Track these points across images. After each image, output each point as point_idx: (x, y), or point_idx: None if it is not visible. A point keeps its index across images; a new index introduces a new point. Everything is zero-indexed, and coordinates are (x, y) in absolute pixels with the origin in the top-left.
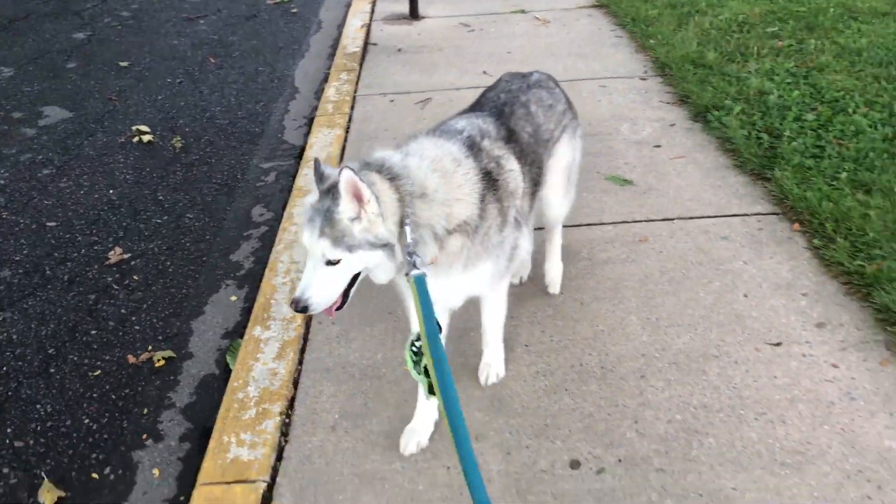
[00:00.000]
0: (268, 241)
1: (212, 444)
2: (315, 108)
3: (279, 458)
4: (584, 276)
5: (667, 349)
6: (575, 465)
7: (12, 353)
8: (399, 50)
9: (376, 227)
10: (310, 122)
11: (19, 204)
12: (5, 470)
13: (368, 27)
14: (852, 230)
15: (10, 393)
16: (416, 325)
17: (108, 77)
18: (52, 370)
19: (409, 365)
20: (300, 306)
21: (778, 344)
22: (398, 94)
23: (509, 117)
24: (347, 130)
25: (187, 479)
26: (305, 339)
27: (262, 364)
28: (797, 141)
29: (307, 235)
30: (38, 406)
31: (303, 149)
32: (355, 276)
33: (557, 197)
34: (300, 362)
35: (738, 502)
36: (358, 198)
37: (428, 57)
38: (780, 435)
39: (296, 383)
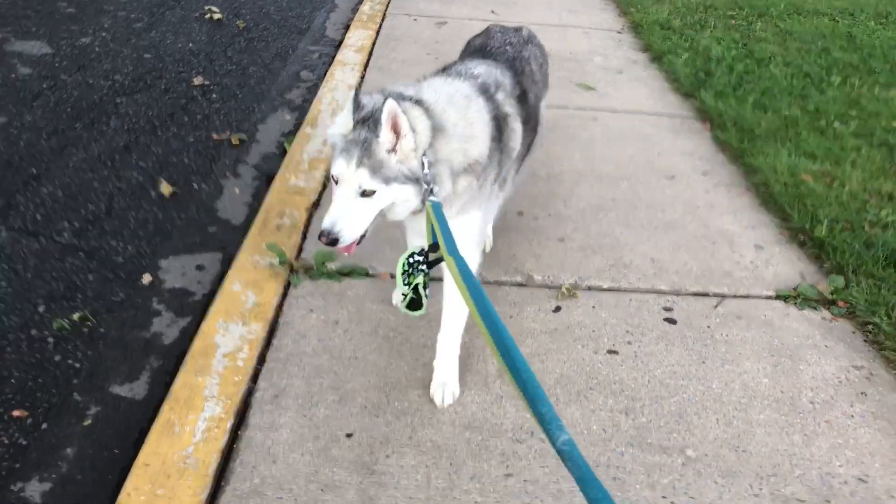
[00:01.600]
0: (314, 90)
1: (276, 180)
2: (351, 19)
3: (324, 188)
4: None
5: (595, 171)
6: (520, 214)
7: (130, 121)
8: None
9: (411, 160)
10: (346, 27)
11: (122, 39)
12: (139, 176)
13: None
14: (744, 129)
15: (133, 139)
16: (415, 244)
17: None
18: (160, 133)
19: (399, 273)
20: (330, 238)
21: (672, 177)
22: (421, 17)
23: (521, 75)
24: (378, 34)
25: (258, 198)
26: None
27: (311, 145)
28: (724, 79)
29: (342, 165)
30: (154, 149)
31: (341, 41)
32: (378, 213)
33: (524, 173)
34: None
35: (629, 247)
36: (396, 130)
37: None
38: (661, 217)
39: None
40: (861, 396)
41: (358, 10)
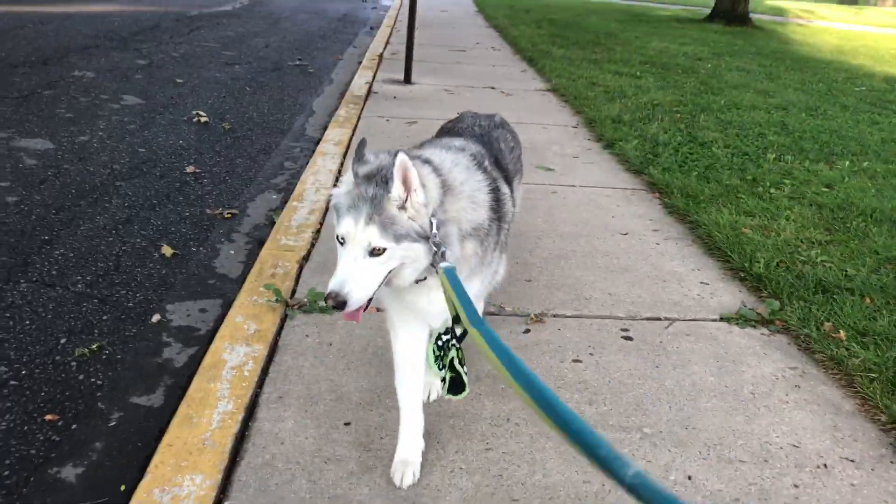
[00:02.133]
0: (296, 176)
1: (268, 241)
2: (328, 122)
3: (312, 246)
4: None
5: (556, 230)
6: None
7: (130, 200)
8: (395, 97)
9: (422, 216)
10: (324, 127)
11: (118, 138)
12: (142, 242)
13: (371, 84)
14: (689, 195)
15: (134, 214)
16: (437, 325)
17: (168, 86)
18: (158, 209)
19: (431, 361)
20: (339, 300)
21: (626, 233)
22: (393, 118)
23: (491, 146)
24: (354, 131)
25: (252, 257)
26: (327, 207)
27: (298, 214)
28: (670, 158)
29: (349, 224)
30: (154, 221)
31: (320, 139)
32: (386, 275)
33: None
34: (323, 216)
35: (589, 285)
36: (406, 184)
37: (416, 103)
38: (616, 262)
39: (320, 223)
40: (795, 388)
41: (335, 113)
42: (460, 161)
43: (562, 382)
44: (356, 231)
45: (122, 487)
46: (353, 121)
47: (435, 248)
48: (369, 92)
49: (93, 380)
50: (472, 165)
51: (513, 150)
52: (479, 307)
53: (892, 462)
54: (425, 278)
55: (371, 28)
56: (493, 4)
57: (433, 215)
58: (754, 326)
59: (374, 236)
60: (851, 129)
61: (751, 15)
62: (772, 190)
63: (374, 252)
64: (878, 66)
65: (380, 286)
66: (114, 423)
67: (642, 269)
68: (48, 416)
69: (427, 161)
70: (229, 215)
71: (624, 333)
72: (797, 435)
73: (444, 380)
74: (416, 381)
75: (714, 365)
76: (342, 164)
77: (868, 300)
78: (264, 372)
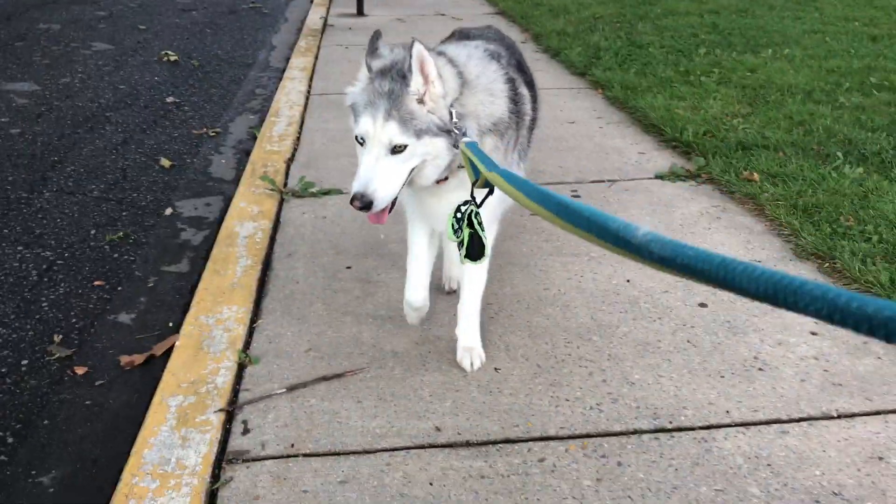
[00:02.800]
0: (268, 100)
1: (255, 148)
2: (290, 54)
3: (295, 150)
4: None
5: None
6: None
7: (122, 126)
8: (349, 28)
9: (441, 109)
10: (287, 59)
11: (97, 78)
12: (141, 157)
13: (325, 19)
14: (629, 87)
15: (129, 136)
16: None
17: (132, 33)
18: (149, 132)
19: (450, 232)
20: (364, 201)
21: (573, 122)
22: (351, 45)
23: (512, 50)
24: (316, 59)
25: (242, 164)
26: (302, 119)
27: (277, 127)
28: (610, 60)
29: (368, 122)
30: (147, 142)
31: (285, 68)
32: (408, 175)
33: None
34: (300, 126)
35: (541, 163)
36: (424, 76)
37: (371, 29)
38: (564, 145)
39: (298, 132)
40: (717, 219)
41: (295, 46)
42: (474, 54)
43: (523, 230)
44: (375, 129)
45: (171, 323)
46: (314, 50)
47: (456, 133)
48: (325, 25)
49: (126, 257)
50: (486, 57)
51: (521, 55)
52: (492, 233)
53: (790, 260)
54: (447, 178)
55: None
56: None
57: (451, 106)
58: (684, 180)
59: (395, 133)
60: (777, 25)
61: None
62: (702, 78)
63: (396, 149)
64: None
65: (403, 185)
66: (151, 285)
67: (588, 147)
68: (96, 282)
69: (441, 53)
70: (214, 133)
71: (573, 193)
72: (716, 248)
73: (461, 243)
74: (427, 250)
75: (649, 209)
76: (310, 86)
77: (781, 154)
78: (272, 239)
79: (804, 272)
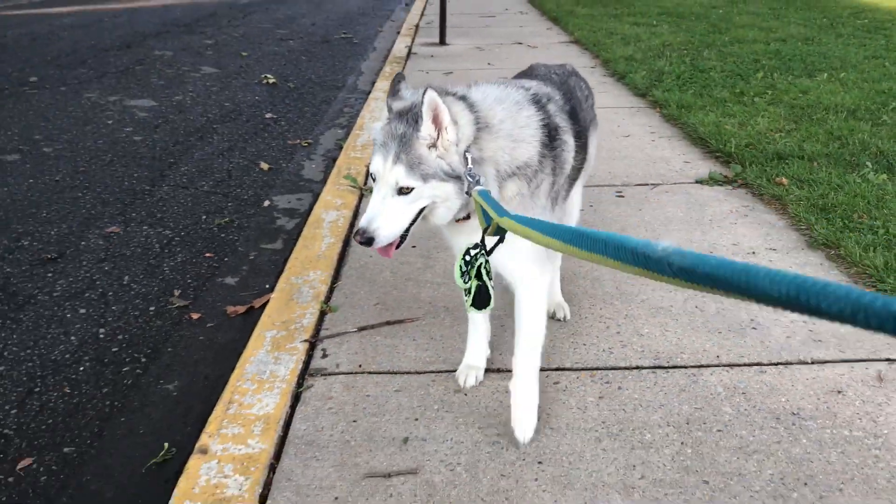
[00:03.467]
0: (354, 118)
1: (341, 155)
2: (376, 78)
3: None
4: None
5: None
6: None
7: (227, 136)
8: (432, 56)
9: (451, 155)
10: (373, 82)
11: (205, 97)
12: (243, 161)
13: (410, 48)
14: (684, 106)
15: (233, 144)
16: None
17: (235, 59)
18: (250, 141)
19: (457, 275)
20: (365, 237)
21: (628, 136)
22: (432, 71)
23: (569, 95)
24: None
25: (329, 168)
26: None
27: (360, 139)
28: (672, 82)
29: (378, 162)
30: (249, 149)
31: (370, 91)
32: (418, 213)
33: (576, 201)
34: None
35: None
36: (437, 122)
37: (451, 59)
38: (617, 154)
39: None
40: (743, 217)
41: (380, 71)
42: (509, 96)
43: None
44: (384, 170)
45: (267, 285)
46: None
47: (469, 180)
48: (409, 53)
49: (231, 237)
50: (522, 101)
51: (587, 98)
52: (542, 283)
53: (801, 249)
54: (468, 217)
55: (406, 4)
56: None
57: (468, 151)
58: (720, 185)
59: (401, 175)
60: (839, 51)
61: None
62: (755, 98)
63: (402, 191)
64: (887, 1)
65: (412, 224)
66: (252, 258)
67: (638, 157)
68: (207, 254)
69: (462, 97)
70: (306, 144)
71: (618, 194)
72: (738, 239)
73: (468, 291)
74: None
75: (684, 208)
76: None
77: (814, 163)
78: (351, 224)
79: (812, 258)
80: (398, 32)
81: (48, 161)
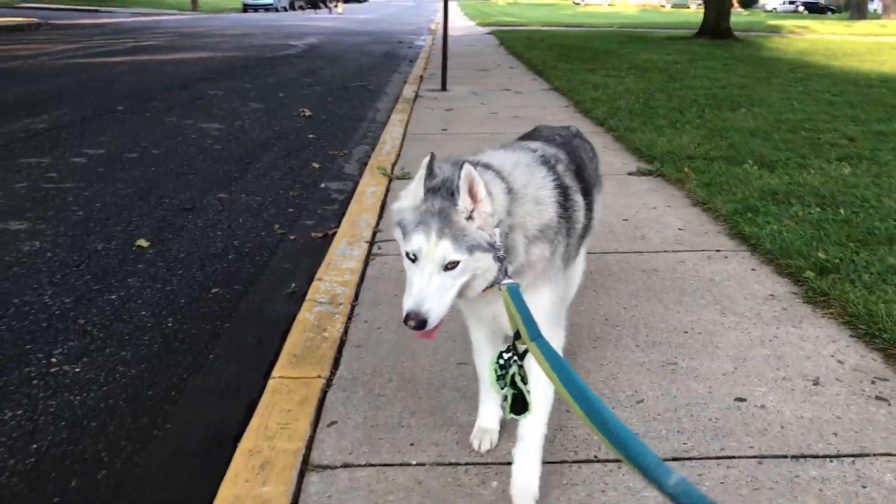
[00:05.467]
0: (376, 138)
1: (372, 158)
2: (391, 113)
3: (397, 158)
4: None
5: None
6: None
7: (281, 152)
8: (434, 98)
9: (490, 226)
10: (389, 114)
11: (258, 127)
12: (298, 164)
13: (416, 92)
14: (630, 130)
15: (289, 155)
16: (477, 334)
17: (275, 98)
18: (299, 153)
19: (493, 380)
20: (420, 320)
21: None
22: (436, 108)
23: (574, 155)
24: (409, 116)
25: (363, 167)
26: (401, 145)
27: (384, 149)
28: (625, 115)
29: (420, 240)
30: (300, 159)
31: (387, 120)
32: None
33: (581, 262)
34: (399, 147)
35: None
36: (472, 195)
37: (451, 100)
38: None
39: (398, 153)
40: (655, 192)
41: (394, 108)
42: (521, 160)
43: None
44: (429, 246)
45: (333, 226)
46: (408, 111)
47: (499, 263)
48: (416, 96)
49: (303, 202)
50: (534, 163)
51: (592, 159)
52: (552, 324)
53: (687, 206)
54: (493, 285)
55: (410, 61)
56: (513, 38)
57: (498, 224)
58: (644, 175)
59: (448, 250)
60: (762, 94)
61: (743, 31)
62: (685, 125)
63: (449, 266)
64: (826, 61)
65: (453, 301)
66: (319, 213)
67: None
68: (289, 210)
69: (488, 166)
70: (343, 154)
71: None
72: (647, 202)
73: (505, 398)
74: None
75: (616, 186)
76: (405, 130)
77: (712, 162)
78: (384, 198)
79: (692, 210)
80: (405, 81)
81: (159, 158)
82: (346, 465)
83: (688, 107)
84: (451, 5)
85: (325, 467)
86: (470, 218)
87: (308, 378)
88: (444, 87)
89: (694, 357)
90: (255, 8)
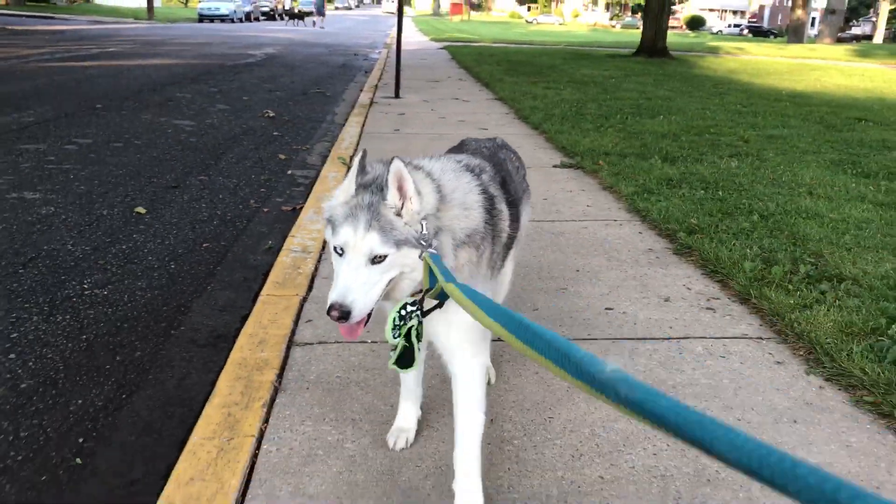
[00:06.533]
0: (335, 136)
1: (332, 152)
2: (348, 116)
3: (354, 152)
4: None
5: None
6: None
7: (254, 143)
8: (388, 104)
9: (416, 224)
10: (346, 117)
11: (225, 123)
12: (265, 154)
13: (372, 98)
14: (560, 132)
15: (258, 147)
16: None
17: (240, 101)
18: (268, 147)
19: (389, 328)
20: (343, 311)
21: (519, 147)
22: (389, 113)
23: (500, 167)
24: (365, 118)
25: (324, 160)
26: (359, 140)
27: (343, 145)
28: (557, 121)
29: (348, 233)
30: (269, 151)
31: (345, 122)
32: (385, 287)
33: (508, 272)
34: (357, 143)
35: None
36: (402, 192)
37: (404, 106)
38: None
39: (355, 147)
40: (574, 180)
41: (350, 112)
42: (448, 166)
43: None
44: (356, 239)
45: (300, 203)
46: (364, 114)
47: (423, 244)
48: (371, 102)
49: (273, 185)
50: (460, 170)
51: (518, 169)
52: (481, 363)
53: (598, 190)
54: (420, 291)
55: (365, 72)
56: (465, 53)
57: (425, 219)
58: (565, 168)
59: (376, 242)
60: (682, 105)
61: (684, 51)
62: (608, 129)
63: (376, 259)
64: (749, 78)
65: (380, 297)
66: (288, 192)
67: (525, 156)
68: (262, 189)
69: (418, 167)
70: (306, 148)
71: None
72: (565, 187)
73: (394, 348)
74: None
75: (542, 176)
76: (361, 129)
77: (625, 158)
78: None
79: (602, 193)
80: (361, 89)
81: (142, 148)
82: (320, 342)
83: (613, 114)
84: (406, 21)
85: (306, 344)
86: (398, 214)
87: (289, 295)
88: (397, 95)
89: (580, 285)
90: (211, 18)
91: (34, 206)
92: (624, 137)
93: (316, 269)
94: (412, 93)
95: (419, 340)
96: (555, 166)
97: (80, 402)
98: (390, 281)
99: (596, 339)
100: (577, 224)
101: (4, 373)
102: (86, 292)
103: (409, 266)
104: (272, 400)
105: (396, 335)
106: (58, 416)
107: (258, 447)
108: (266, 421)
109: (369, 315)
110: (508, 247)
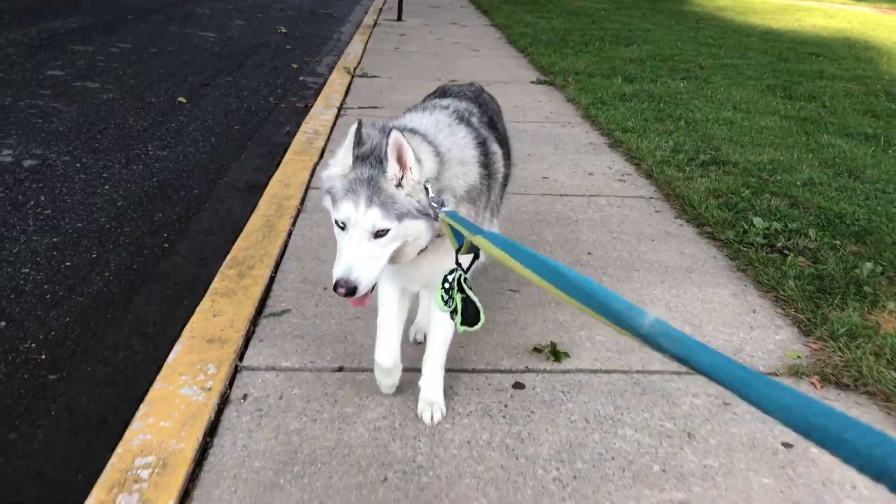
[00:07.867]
0: (341, 51)
1: (338, 64)
2: (352, 36)
3: (358, 63)
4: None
5: (472, 77)
6: None
7: (269, 55)
8: (391, 26)
9: (418, 192)
10: (351, 36)
11: (246, 35)
12: (280, 61)
13: (375, 21)
14: (543, 55)
15: (273, 57)
16: (416, 289)
17: (254, 18)
18: (282, 56)
19: (440, 302)
20: (349, 286)
21: (503, 66)
22: (391, 33)
23: (486, 107)
24: (369, 37)
25: (330, 70)
26: (362, 54)
27: (349, 59)
28: (542, 46)
29: (349, 208)
30: (283, 61)
31: (349, 41)
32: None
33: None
34: (361, 56)
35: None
36: (401, 162)
37: (405, 28)
38: (495, 77)
39: (359, 60)
40: (544, 94)
41: (355, 33)
42: (442, 120)
43: None
44: (357, 214)
45: (311, 101)
46: (368, 34)
47: (435, 206)
48: (375, 23)
49: (286, 87)
50: (454, 122)
51: (499, 114)
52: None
53: (564, 102)
54: (425, 248)
55: None
56: None
57: (427, 184)
58: (540, 84)
59: (377, 218)
60: (658, 36)
61: None
62: (585, 54)
63: (378, 234)
64: (733, 16)
65: (384, 266)
66: (299, 94)
67: (503, 74)
68: (279, 90)
69: (414, 131)
70: (315, 60)
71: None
72: (536, 98)
73: (454, 311)
74: (397, 310)
75: (518, 90)
76: (365, 47)
77: (593, 77)
78: (348, 87)
79: (568, 105)
80: (366, 12)
81: (175, 53)
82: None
83: (593, 42)
84: None
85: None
86: (399, 185)
87: (305, 160)
88: (399, 18)
89: (526, 163)
90: None
91: (97, 92)
92: (596, 61)
93: (326, 144)
94: (414, 17)
95: (473, 291)
96: (531, 82)
97: (160, 215)
98: (394, 250)
99: (529, 194)
100: (537, 125)
101: (105, 196)
102: (150, 152)
103: (412, 235)
104: (296, 216)
105: (451, 303)
106: (147, 222)
107: (289, 237)
108: (293, 225)
109: (375, 285)
110: (504, 186)
